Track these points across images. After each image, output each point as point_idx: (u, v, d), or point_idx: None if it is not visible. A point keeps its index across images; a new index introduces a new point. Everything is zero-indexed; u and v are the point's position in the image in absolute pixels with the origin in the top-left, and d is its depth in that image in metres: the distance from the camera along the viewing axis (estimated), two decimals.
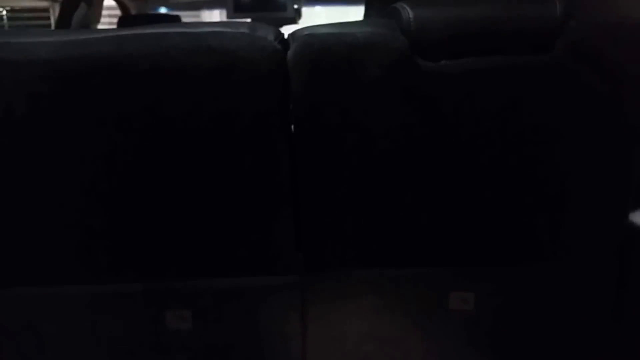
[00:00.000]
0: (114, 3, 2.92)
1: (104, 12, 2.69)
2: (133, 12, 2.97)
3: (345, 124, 0.97)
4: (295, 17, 2.61)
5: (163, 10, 3.18)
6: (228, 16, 2.49)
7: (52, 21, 7.97)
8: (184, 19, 2.64)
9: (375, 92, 0.95)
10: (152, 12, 3.18)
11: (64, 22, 2.38)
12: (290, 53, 0.96)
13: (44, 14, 8.12)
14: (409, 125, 0.97)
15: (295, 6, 2.59)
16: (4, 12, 7.40)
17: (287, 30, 1.08)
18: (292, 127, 1.01)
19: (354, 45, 0.94)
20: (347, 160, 0.99)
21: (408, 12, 0.95)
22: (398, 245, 1.05)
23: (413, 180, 1.01)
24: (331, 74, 0.94)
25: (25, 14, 7.93)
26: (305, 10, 2.95)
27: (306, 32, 0.96)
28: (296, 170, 1.00)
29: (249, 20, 2.47)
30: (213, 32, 0.94)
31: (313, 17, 2.62)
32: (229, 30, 0.94)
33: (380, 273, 1.07)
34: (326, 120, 0.97)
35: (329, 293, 1.07)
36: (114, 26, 2.52)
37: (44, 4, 8.11)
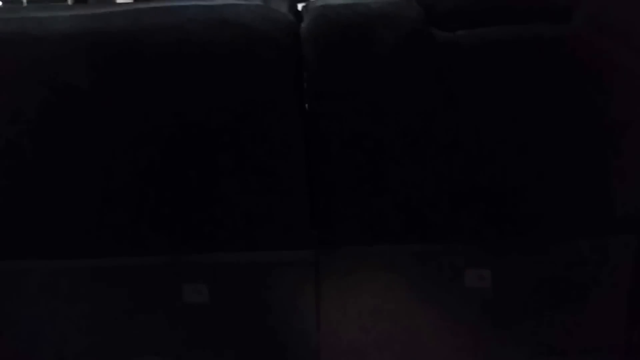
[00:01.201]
0: None
1: None
2: None
3: (360, 97, 0.96)
4: None
5: None
6: None
7: None
8: None
9: (390, 63, 0.95)
10: None
11: None
12: (304, 26, 0.95)
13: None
14: (423, 96, 0.96)
15: None
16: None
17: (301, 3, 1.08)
18: (306, 101, 1.01)
19: (368, 16, 0.93)
20: (361, 134, 0.98)
21: None
22: (412, 221, 1.04)
23: (427, 153, 1.00)
24: (345, 45, 0.94)
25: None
26: None
27: (320, 4, 0.96)
28: (310, 145, 1.00)
29: None
30: (227, 4, 0.94)
31: None
32: (243, 2, 0.95)
33: (394, 250, 1.06)
34: (340, 94, 0.96)
35: (343, 269, 1.06)
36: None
37: None
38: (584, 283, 1.08)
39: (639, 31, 0.95)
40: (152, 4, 0.96)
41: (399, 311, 1.09)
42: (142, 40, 0.93)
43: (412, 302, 1.08)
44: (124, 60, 0.94)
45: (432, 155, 1.00)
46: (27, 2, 1.72)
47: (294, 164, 1.00)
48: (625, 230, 1.05)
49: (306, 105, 1.00)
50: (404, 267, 1.07)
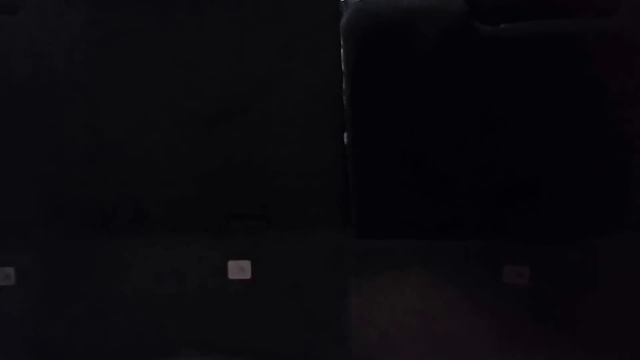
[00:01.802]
0: None
1: None
2: None
3: (400, 91, 0.96)
4: None
5: None
6: None
7: None
8: None
9: (432, 58, 0.94)
10: None
11: None
12: (343, 20, 0.95)
13: None
14: (465, 91, 0.96)
15: None
16: None
17: None
18: (345, 96, 1.01)
19: (409, 9, 0.93)
20: (400, 129, 0.98)
21: None
22: (450, 216, 1.04)
23: (467, 148, 0.99)
24: (386, 40, 0.93)
25: None
26: None
27: None
28: (349, 139, 1.00)
29: None
30: None
31: None
32: None
33: (431, 244, 1.06)
34: (380, 89, 0.96)
35: (378, 263, 1.06)
36: None
37: None
38: (624, 280, 1.06)
39: None
40: None
41: (434, 308, 1.08)
42: None
43: (448, 299, 1.08)
44: None
45: (471, 150, 0.99)
46: None
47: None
48: None
49: (344, 100, 1.00)
50: (441, 263, 1.06)
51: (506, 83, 0.96)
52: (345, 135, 1.01)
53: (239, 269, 1.05)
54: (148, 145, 0.99)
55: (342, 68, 0.96)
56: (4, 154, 0.98)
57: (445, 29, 0.93)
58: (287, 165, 1.01)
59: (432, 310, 1.08)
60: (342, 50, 0.95)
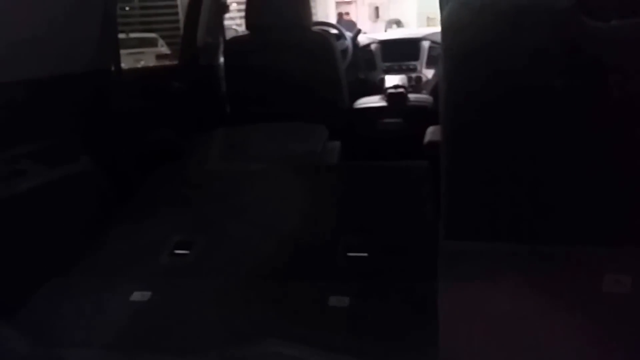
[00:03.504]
0: None
1: None
2: None
3: (503, 89, 0.93)
4: None
5: None
6: None
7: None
8: None
9: (537, 55, 0.90)
10: None
11: None
12: (445, 13, 0.93)
13: None
14: (572, 90, 0.91)
15: None
16: None
17: None
18: (441, 91, 0.99)
19: (515, 3, 0.89)
20: (501, 128, 0.95)
21: None
22: (550, 220, 1.00)
23: (568, 151, 0.95)
24: (490, 35, 0.90)
25: None
26: None
27: None
28: (445, 137, 0.98)
29: None
30: None
31: None
32: None
33: (526, 248, 1.03)
34: (483, 86, 0.93)
35: (470, 264, 1.04)
36: None
37: None
38: None
39: None
40: None
41: (530, 314, 1.06)
42: None
43: (543, 303, 1.05)
44: None
45: (574, 153, 0.95)
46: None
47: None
48: None
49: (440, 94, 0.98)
50: (536, 267, 1.03)
51: (615, 79, 0.91)
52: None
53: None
54: None
55: (440, 64, 0.94)
56: None
57: (552, 23, 0.88)
58: None
59: (525, 316, 1.05)
60: (441, 44, 0.92)
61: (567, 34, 0.89)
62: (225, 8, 2.72)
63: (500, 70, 0.92)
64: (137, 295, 1.19)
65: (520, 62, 0.91)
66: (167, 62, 7.87)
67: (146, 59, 7.90)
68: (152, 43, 8.40)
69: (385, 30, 5.47)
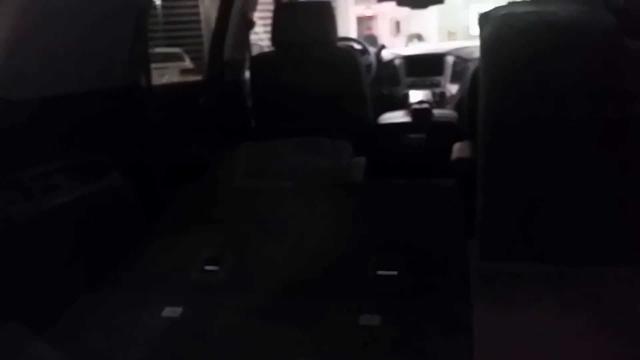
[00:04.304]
0: None
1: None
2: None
3: (544, 110, 0.92)
4: None
5: None
6: None
7: (202, 10, 8.54)
8: None
9: (577, 76, 0.89)
10: None
11: (225, 9, 2.52)
12: (485, 33, 0.92)
13: (194, 3, 8.72)
14: (614, 113, 0.90)
15: None
16: (158, 1, 8.05)
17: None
18: (480, 109, 0.97)
19: (556, 24, 0.88)
20: (540, 149, 0.94)
21: None
22: (586, 242, 0.98)
23: (609, 174, 0.93)
24: (531, 55, 0.89)
25: (175, 3, 8.58)
26: None
27: (503, 12, 0.92)
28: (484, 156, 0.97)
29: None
30: None
31: None
32: None
33: (563, 270, 1.01)
34: (523, 106, 0.92)
35: (510, 285, 1.03)
36: (269, 13, 2.62)
37: None
38: None
39: None
40: None
41: (565, 334, 1.03)
42: None
43: (580, 325, 1.02)
44: None
45: (612, 177, 0.93)
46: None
47: None
48: None
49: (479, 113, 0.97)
50: (574, 289, 1.01)
51: None
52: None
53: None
54: None
55: (479, 82, 0.93)
56: None
57: (593, 44, 0.87)
58: None
59: (562, 338, 1.02)
60: (480, 63, 0.92)
61: (608, 55, 0.87)
62: (251, 24, 2.75)
63: (540, 91, 0.91)
64: (168, 311, 1.20)
65: (562, 83, 0.90)
66: (191, 77, 7.98)
67: (170, 74, 8.00)
68: (176, 58, 8.51)
69: (407, 44, 5.49)
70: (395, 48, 3.80)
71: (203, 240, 1.51)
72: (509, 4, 0.95)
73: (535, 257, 1.00)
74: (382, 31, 13.74)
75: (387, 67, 3.32)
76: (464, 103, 2.27)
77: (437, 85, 3.25)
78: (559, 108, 0.91)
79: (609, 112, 0.90)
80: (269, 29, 2.49)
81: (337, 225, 1.53)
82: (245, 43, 2.75)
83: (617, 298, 1.00)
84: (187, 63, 8.56)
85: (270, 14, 2.51)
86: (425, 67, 3.29)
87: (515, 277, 1.01)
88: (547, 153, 0.94)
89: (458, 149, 1.68)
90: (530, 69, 0.90)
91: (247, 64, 2.74)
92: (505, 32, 0.90)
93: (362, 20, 13.36)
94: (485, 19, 0.93)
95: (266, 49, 2.93)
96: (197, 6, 8.39)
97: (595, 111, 0.90)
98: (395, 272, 1.30)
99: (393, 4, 2.81)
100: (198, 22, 8.46)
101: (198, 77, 8.00)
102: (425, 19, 12.60)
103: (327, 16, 2.40)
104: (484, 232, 1.01)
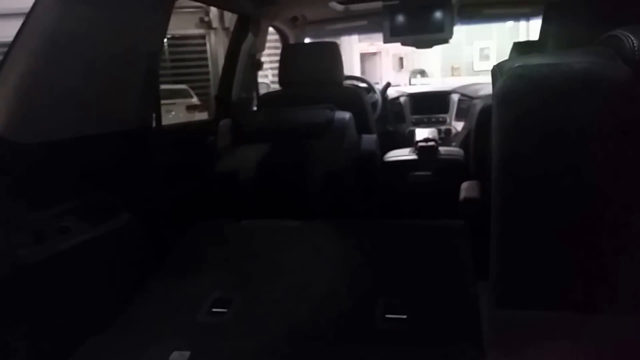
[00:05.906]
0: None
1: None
2: (291, 40, 3.12)
3: (558, 161, 0.92)
4: (450, 38, 2.55)
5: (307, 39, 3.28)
6: (385, 40, 2.51)
7: (208, 48, 8.69)
8: None
9: (593, 127, 0.89)
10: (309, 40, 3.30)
11: (233, 50, 2.57)
12: (499, 85, 0.93)
13: (201, 41, 8.89)
14: (628, 163, 0.90)
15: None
16: (165, 39, 8.22)
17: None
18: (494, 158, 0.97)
19: (570, 76, 0.89)
20: (555, 198, 0.94)
21: (632, 41, 0.88)
22: (604, 289, 0.97)
23: (618, 222, 0.93)
24: (545, 107, 0.90)
25: (182, 41, 8.74)
26: None
27: (517, 64, 0.93)
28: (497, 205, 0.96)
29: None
30: None
31: (456, 33, 2.55)
32: None
33: (580, 318, 0.99)
34: (537, 157, 0.92)
35: (521, 335, 1.01)
36: (277, 53, 2.66)
37: (200, 32, 8.87)
38: None
39: None
40: None
41: None
42: None
43: None
44: None
45: (628, 226, 0.92)
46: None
47: None
48: None
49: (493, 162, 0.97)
50: (591, 338, 0.99)
51: None
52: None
53: None
54: None
55: (492, 133, 0.94)
56: None
57: (609, 96, 0.88)
58: None
59: None
60: (494, 114, 0.92)
61: (624, 106, 0.88)
62: (259, 65, 2.79)
63: (555, 143, 0.92)
64: (176, 355, 1.18)
65: (576, 135, 0.90)
66: (197, 113, 8.06)
67: (177, 110, 8.08)
68: (182, 94, 8.62)
69: (410, 80, 5.58)
70: (401, 86, 3.84)
71: (210, 282, 1.50)
72: (523, 56, 0.96)
73: (552, 305, 0.99)
74: (386, 67, 13.92)
75: (392, 104, 3.36)
76: (470, 141, 2.28)
77: (443, 122, 3.27)
78: (574, 159, 0.91)
79: (626, 164, 0.90)
80: (276, 71, 2.54)
81: (346, 266, 1.52)
82: (253, 83, 2.79)
83: (637, 347, 0.98)
84: (194, 100, 8.67)
85: (277, 55, 2.55)
86: (430, 104, 3.32)
87: (531, 324, 1.00)
88: (562, 202, 0.94)
89: (466, 189, 1.68)
90: (545, 120, 0.91)
91: (255, 103, 2.77)
92: (518, 85, 0.91)
93: (366, 57, 13.56)
94: (498, 70, 0.94)
95: (273, 89, 2.97)
96: (204, 44, 8.54)
97: (612, 159, 0.90)
98: (404, 316, 1.28)
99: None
100: (205, 59, 8.60)
101: (204, 113, 8.13)
102: (429, 55, 12.78)
103: (333, 56, 2.44)
104: (500, 280, 1.00)
